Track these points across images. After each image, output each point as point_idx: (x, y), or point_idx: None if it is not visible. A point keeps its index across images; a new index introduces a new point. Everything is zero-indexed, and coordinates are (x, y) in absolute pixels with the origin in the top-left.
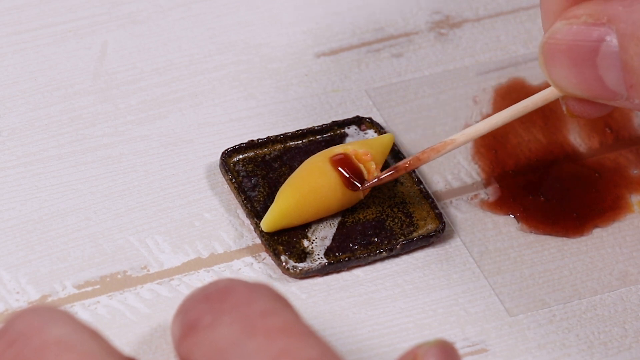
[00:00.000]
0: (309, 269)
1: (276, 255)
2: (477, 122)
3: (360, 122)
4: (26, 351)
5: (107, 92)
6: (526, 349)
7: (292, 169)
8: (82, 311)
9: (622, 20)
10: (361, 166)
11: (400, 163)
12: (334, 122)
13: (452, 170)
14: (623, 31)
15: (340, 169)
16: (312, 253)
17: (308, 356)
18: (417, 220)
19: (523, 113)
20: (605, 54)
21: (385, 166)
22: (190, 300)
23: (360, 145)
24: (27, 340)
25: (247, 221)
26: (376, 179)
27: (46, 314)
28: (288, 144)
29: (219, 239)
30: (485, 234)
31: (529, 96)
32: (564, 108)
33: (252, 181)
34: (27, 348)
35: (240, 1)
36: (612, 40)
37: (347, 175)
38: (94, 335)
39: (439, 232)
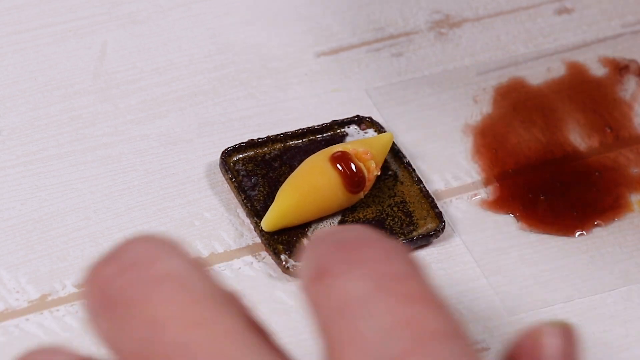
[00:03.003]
0: None
1: (276, 255)
2: (477, 122)
3: (360, 121)
4: (139, 282)
5: (107, 92)
6: None
7: (292, 169)
8: (83, 310)
9: None
10: (361, 165)
11: None
12: (334, 121)
13: (451, 170)
14: None
15: (340, 167)
16: None
17: (435, 328)
18: (417, 219)
19: None
20: None
21: (385, 165)
22: (322, 244)
23: (360, 144)
24: (141, 269)
25: (247, 220)
26: None
27: (163, 245)
28: (288, 144)
29: (218, 238)
30: (485, 233)
31: (529, 96)
32: None
33: (252, 180)
34: (141, 278)
35: (240, 1)
36: None
37: (347, 174)
38: (211, 276)
39: (439, 231)
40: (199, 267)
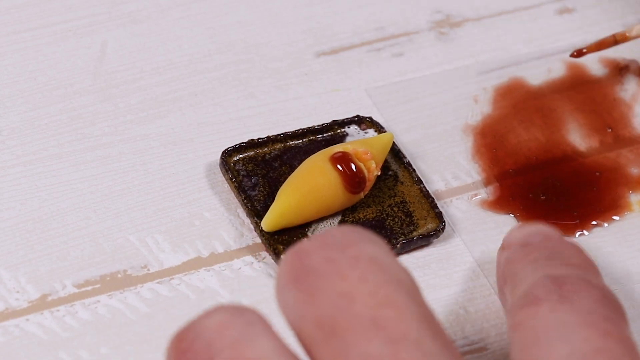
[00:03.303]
0: None
1: (276, 255)
2: (477, 122)
3: (360, 121)
4: (340, 258)
5: (107, 92)
6: None
7: (292, 169)
8: (83, 310)
9: None
10: (361, 165)
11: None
12: (334, 121)
13: (452, 170)
14: None
15: (340, 168)
16: None
17: None
18: (417, 219)
19: None
20: None
21: (385, 165)
22: (537, 273)
23: (360, 144)
24: (343, 248)
25: (247, 220)
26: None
27: (363, 233)
28: (288, 144)
29: (219, 238)
30: (485, 233)
31: (529, 96)
32: None
33: (252, 180)
34: (342, 255)
35: (240, 1)
36: None
37: (348, 174)
38: (403, 266)
39: (439, 231)
40: (394, 257)
